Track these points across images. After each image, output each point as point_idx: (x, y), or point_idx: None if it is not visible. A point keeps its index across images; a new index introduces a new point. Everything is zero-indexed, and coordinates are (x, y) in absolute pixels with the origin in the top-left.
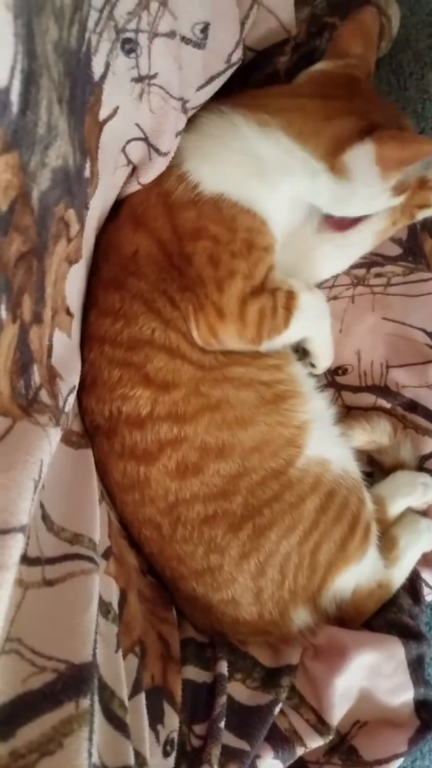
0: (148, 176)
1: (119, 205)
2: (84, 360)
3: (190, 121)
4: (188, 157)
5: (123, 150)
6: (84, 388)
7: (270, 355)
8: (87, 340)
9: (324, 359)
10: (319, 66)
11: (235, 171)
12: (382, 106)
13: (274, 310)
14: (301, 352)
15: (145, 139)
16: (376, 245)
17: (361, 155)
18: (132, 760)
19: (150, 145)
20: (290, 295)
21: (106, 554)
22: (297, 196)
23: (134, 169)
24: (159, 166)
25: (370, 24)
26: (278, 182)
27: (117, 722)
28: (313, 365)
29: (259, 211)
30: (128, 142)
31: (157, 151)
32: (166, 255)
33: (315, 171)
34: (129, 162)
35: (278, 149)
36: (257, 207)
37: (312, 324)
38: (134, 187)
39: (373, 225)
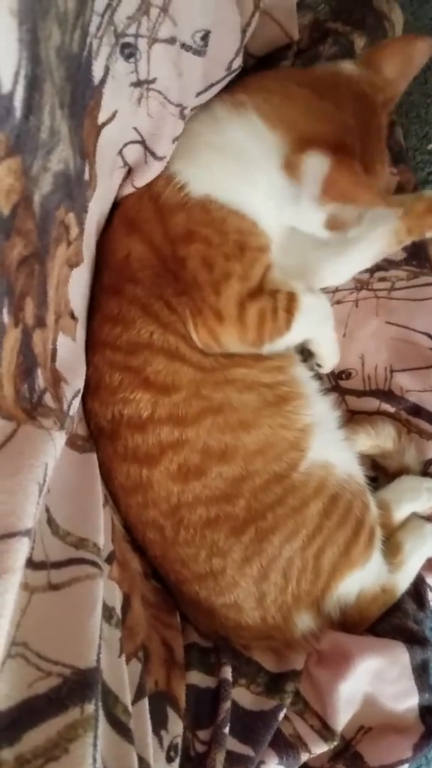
0: (142, 179)
1: (114, 208)
2: (89, 364)
3: None
4: (175, 157)
5: (120, 153)
6: (89, 392)
7: (272, 356)
8: (91, 345)
9: (329, 359)
10: (343, 65)
11: (219, 170)
12: (370, 140)
13: (275, 312)
14: (306, 352)
15: (142, 142)
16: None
17: (315, 164)
18: (135, 766)
19: (146, 148)
20: (291, 297)
21: (110, 559)
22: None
23: (129, 172)
24: (154, 169)
25: (417, 54)
26: (256, 177)
27: (120, 727)
28: (319, 365)
29: (248, 213)
30: (125, 145)
31: (153, 154)
32: (160, 259)
33: (272, 162)
34: (125, 164)
35: (248, 132)
36: (245, 208)
37: (314, 325)
38: (128, 189)
39: (378, 243)
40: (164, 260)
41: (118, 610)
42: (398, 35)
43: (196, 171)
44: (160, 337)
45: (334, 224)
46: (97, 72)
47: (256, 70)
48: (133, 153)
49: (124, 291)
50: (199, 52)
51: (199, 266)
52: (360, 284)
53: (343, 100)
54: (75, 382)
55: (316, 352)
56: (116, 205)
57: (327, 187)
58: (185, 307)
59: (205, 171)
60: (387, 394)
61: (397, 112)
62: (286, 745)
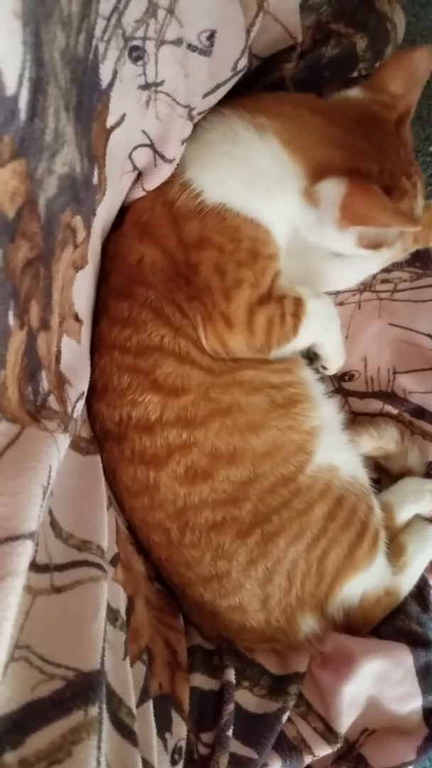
0: (152, 183)
1: (123, 212)
2: (95, 366)
3: (194, 126)
4: (190, 164)
5: (129, 156)
6: (95, 394)
7: (280, 359)
8: (98, 347)
9: (335, 361)
10: (349, 92)
11: (235, 180)
12: (387, 159)
13: (283, 318)
14: (311, 354)
15: (151, 146)
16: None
17: (330, 191)
18: None
19: (156, 151)
20: (298, 302)
21: (114, 561)
22: (290, 209)
23: (139, 175)
24: (164, 172)
25: (419, 64)
26: (273, 192)
27: (125, 730)
28: (324, 367)
29: (263, 222)
30: (135, 148)
31: (162, 157)
32: (173, 264)
33: (292, 188)
34: (135, 168)
35: (270, 156)
36: (260, 217)
37: (321, 329)
38: (138, 193)
39: (384, 251)
40: (177, 265)
41: (123, 613)
42: (400, 37)
43: (212, 179)
44: (171, 340)
45: (370, 244)
46: (105, 75)
47: (260, 71)
48: (143, 156)
49: (134, 294)
50: (206, 53)
51: (212, 273)
52: (363, 286)
53: (353, 125)
54: (79, 384)
55: (321, 355)
56: (124, 208)
57: (343, 212)
58: (196, 312)
59: (221, 179)
60: (390, 396)
61: None
62: (289, 748)
